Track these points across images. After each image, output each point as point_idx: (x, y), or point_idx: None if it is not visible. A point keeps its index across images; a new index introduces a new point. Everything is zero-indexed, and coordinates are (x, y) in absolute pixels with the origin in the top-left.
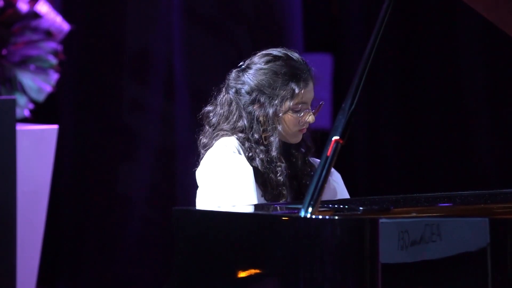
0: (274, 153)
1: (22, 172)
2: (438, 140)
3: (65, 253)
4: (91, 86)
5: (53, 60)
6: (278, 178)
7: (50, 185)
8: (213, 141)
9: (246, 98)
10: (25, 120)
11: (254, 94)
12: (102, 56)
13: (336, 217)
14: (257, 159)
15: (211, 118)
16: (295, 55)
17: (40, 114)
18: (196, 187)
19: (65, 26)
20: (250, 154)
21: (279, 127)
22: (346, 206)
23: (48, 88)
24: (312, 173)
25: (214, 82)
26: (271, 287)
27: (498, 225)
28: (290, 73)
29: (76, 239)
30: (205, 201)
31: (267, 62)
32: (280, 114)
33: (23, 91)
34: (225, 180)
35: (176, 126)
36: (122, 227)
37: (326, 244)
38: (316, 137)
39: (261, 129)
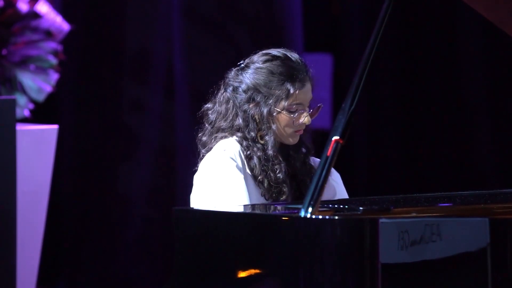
0: (270, 151)
1: (22, 172)
2: (438, 140)
3: (65, 253)
4: (91, 86)
5: (53, 60)
6: (278, 175)
7: (50, 185)
8: (213, 142)
9: (242, 97)
10: (25, 120)
11: (250, 93)
12: (102, 56)
13: (336, 217)
14: (255, 157)
15: (210, 115)
16: (294, 56)
17: (40, 114)
18: None
19: (65, 26)
20: (248, 153)
21: (273, 127)
22: (346, 206)
23: (48, 88)
24: (312, 174)
25: (214, 82)
26: (271, 287)
27: (498, 225)
28: (286, 73)
29: (76, 239)
30: (198, 205)
31: (265, 62)
32: (275, 114)
33: (23, 91)
34: (217, 187)
35: (176, 126)
36: (122, 227)
37: (326, 244)
38: (316, 138)
39: (257, 128)
